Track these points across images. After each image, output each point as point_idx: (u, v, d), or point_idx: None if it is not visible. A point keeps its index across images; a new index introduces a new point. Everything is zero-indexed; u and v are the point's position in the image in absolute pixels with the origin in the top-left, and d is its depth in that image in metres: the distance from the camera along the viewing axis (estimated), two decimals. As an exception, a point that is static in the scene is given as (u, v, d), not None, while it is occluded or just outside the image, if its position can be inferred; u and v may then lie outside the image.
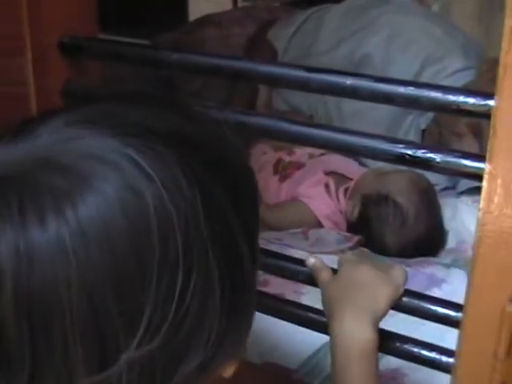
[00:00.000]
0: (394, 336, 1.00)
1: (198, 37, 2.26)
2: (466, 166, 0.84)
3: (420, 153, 0.87)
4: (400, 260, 1.65)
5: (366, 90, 0.89)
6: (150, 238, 0.49)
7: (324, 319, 0.98)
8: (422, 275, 1.54)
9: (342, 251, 1.65)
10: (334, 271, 0.99)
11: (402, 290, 0.95)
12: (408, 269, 1.55)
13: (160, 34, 2.44)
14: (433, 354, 0.97)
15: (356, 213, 1.82)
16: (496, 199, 0.74)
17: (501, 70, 0.69)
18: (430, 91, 0.85)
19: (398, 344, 0.99)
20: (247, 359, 1.41)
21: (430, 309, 0.96)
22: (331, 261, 1.56)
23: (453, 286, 1.51)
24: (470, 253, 1.70)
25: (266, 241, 1.69)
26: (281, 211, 1.91)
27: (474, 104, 0.83)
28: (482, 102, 0.82)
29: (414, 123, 2.04)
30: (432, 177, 1.89)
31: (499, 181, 0.74)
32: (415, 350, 0.98)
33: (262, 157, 2.08)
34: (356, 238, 1.74)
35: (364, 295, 0.93)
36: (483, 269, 0.79)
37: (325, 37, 2.15)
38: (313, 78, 0.92)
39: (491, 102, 0.78)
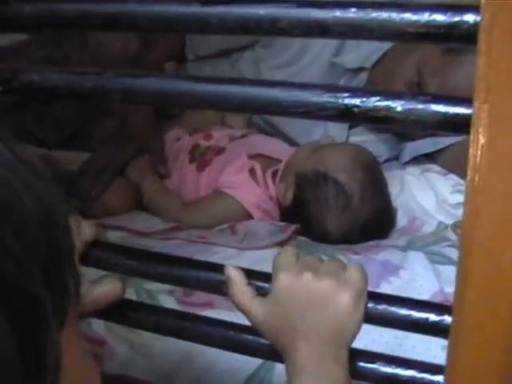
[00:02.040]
0: (360, 354, 0.75)
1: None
2: (444, 113, 0.59)
3: (373, 102, 0.62)
4: (345, 247, 1.41)
5: (288, 20, 0.63)
6: None
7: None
8: (374, 263, 1.31)
9: (278, 244, 1.40)
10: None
11: (365, 296, 0.71)
12: (356, 257, 1.35)
13: None
14: (412, 373, 0.72)
15: (290, 196, 1.57)
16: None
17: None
18: (379, 11, 0.60)
19: (363, 364, 0.74)
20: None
21: (402, 314, 0.71)
22: (266, 256, 1.34)
23: (412, 273, 1.28)
24: (426, 231, 1.51)
25: (186, 241, 1.44)
26: (201, 209, 1.66)
27: (445, 23, 0.57)
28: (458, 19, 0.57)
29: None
30: (372, 148, 1.70)
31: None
32: (389, 370, 0.74)
33: (176, 144, 1.82)
34: (292, 227, 1.49)
35: (317, 320, 0.70)
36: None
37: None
38: (212, 12, 0.66)
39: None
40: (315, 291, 0.70)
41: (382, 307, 0.72)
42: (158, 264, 0.81)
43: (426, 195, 1.59)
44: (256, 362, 1.21)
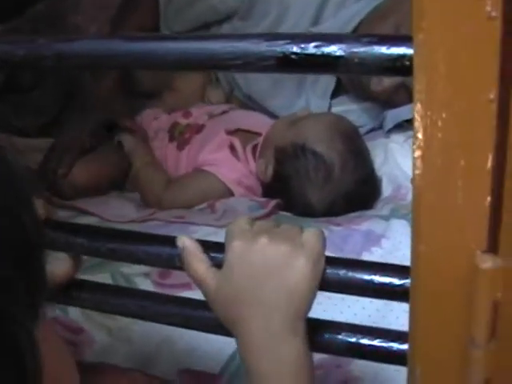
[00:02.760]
0: (322, 325, 0.70)
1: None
2: (388, 55, 0.54)
3: (312, 47, 0.57)
4: (327, 220, 1.37)
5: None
6: None
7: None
8: (357, 234, 1.26)
9: (258, 219, 1.35)
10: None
11: (323, 261, 0.66)
12: (339, 228, 1.29)
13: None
14: (377, 343, 0.68)
15: (270, 171, 1.52)
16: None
17: None
18: None
19: (326, 335, 0.69)
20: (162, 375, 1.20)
21: (364, 279, 0.66)
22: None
23: (394, 241, 1.24)
24: (410, 198, 1.46)
25: (164, 222, 1.39)
26: (182, 187, 1.62)
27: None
28: None
29: None
30: (354, 118, 1.65)
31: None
32: (352, 340, 0.69)
33: (153, 123, 1.78)
34: (273, 202, 1.44)
35: (271, 288, 0.65)
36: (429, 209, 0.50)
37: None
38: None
39: None
40: (270, 256, 0.65)
41: (341, 272, 0.67)
42: (109, 240, 0.76)
43: (411, 162, 1.54)
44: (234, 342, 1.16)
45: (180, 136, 1.69)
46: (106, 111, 1.75)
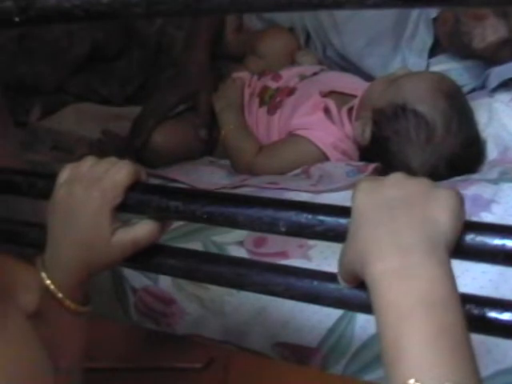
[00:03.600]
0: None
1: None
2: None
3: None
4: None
5: None
6: None
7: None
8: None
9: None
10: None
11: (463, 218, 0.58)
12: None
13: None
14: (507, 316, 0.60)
15: (368, 134, 1.44)
16: None
17: None
18: None
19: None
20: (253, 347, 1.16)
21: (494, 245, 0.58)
22: (343, 199, 1.23)
23: (506, 206, 1.16)
24: None
25: (256, 188, 1.33)
26: (275, 153, 1.55)
27: None
28: None
29: (422, 13, 1.66)
30: (455, 77, 1.54)
31: None
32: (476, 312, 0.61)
33: (247, 89, 1.70)
34: (371, 166, 1.37)
35: (410, 215, 0.57)
36: None
37: None
38: None
39: None
40: (407, 188, 0.59)
41: (468, 237, 0.59)
42: (206, 203, 0.69)
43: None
44: (336, 313, 1.10)
45: (270, 100, 1.62)
46: (194, 82, 1.70)
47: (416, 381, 0.49)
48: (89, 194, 0.70)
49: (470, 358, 0.51)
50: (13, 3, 0.72)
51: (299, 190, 1.29)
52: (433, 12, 1.64)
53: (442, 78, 1.46)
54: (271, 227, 0.66)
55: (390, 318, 0.54)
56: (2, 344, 0.40)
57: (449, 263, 0.55)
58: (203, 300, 1.20)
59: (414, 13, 1.67)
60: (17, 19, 0.73)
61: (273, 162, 1.52)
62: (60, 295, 0.67)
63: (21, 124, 1.71)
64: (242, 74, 1.72)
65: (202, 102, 1.66)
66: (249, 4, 0.58)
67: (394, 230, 0.56)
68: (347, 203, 1.21)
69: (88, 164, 0.74)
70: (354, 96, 1.54)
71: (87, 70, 1.86)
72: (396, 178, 0.59)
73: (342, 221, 0.62)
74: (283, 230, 0.66)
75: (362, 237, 0.58)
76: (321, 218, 0.64)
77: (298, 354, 1.16)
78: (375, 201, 0.58)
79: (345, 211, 0.63)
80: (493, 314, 0.61)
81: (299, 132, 1.54)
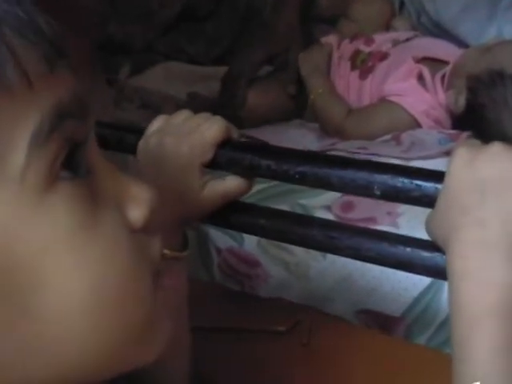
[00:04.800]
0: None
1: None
2: None
3: None
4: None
5: None
6: None
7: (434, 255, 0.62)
8: None
9: (449, 153, 1.25)
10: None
11: None
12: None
13: None
14: None
15: (462, 102, 1.41)
16: None
17: None
18: None
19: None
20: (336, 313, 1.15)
21: None
22: (435, 167, 1.19)
23: None
24: None
25: (346, 152, 1.31)
26: (367, 117, 1.53)
27: None
28: None
29: None
30: None
31: None
32: None
33: (336, 52, 1.68)
34: (464, 135, 1.33)
35: (498, 203, 0.54)
36: None
37: None
38: None
39: None
40: (503, 164, 0.54)
41: None
42: (300, 163, 0.67)
43: None
44: (423, 283, 1.09)
45: (362, 64, 1.60)
46: (283, 41, 1.69)
47: None
48: (178, 147, 0.70)
49: None
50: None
51: (390, 156, 1.26)
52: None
53: None
54: (366, 190, 0.64)
55: (463, 319, 0.53)
56: (92, 247, 0.39)
57: None
58: (288, 263, 1.19)
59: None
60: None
61: (363, 126, 1.50)
62: None
63: (111, 82, 1.73)
64: (332, 38, 1.69)
65: (291, 59, 1.65)
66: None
67: (482, 221, 0.53)
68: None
69: (181, 117, 0.73)
70: (447, 63, 1.50)
71: (176, 30, 1.87)
72: (495, 151, 0.55)
73: (440, 187, 0.59)
74: (378, 193, 0.63)
75: (449, 218, 0.56)
76: (418, 182, 0.62)
77: (381, 322, 1.15)
78: (469, 178, 0.55)
79: (443, 177, 0.60)
80: None
81: (392, 98, 1.51)
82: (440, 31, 1.70)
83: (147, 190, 0.46)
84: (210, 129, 0.71)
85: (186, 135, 0.70)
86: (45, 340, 0.39)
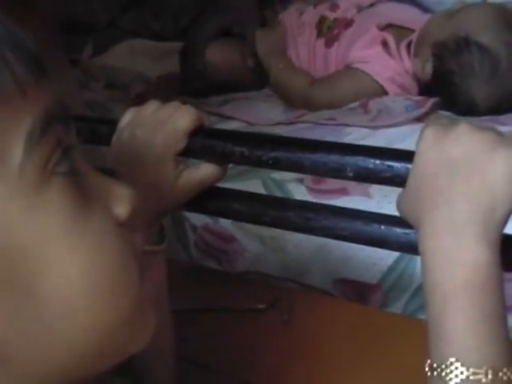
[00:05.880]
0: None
1: None
2: None
3: None
4: (491, 119, 1.27)
5: None
6: None
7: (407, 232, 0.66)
8: (524, 134, 1.14)
9: (416, 120, 1.27)
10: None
11: None
12: (504, 128, 1.17)
13: None
14: None
15: (429, 69, 1.42)
16: None
17: None
18: None
19: None
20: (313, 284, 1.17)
21: None
22: (403, 134, 1.21)
23: None
24: None
25: (314, 124, 1.32)
26: (333, 85, 1.53)
27: None
28: None
29: None
30: None
31: None
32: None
33: (301, 17, 1.68)
34: (431, 101, 1.34)
35: (464, 179, 0.55)
36: None
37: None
38: None
39: None
40: (469, 144, 0.55)
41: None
42: (272, 148, 0.68)
43: None
44: (396, 252, 1.10)
45: (328, 32, 1.60)
46: (236, 14, 1.70)
47: (456, 360, 0.52)
48: (152, 138, 0.70)
49: (507, 344, 0.53)
50: None
51: (358, 126, 1.28)
52: None
53: (502, 8, 1.42)
54: (338, 172, 0.65)
55: (436, 297, 0.55)
56: (84, 237, 0.43)
57: (497, 245, 0.54)
58: (264, 237, 1.20)
59: None
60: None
61: (330, 95, 1.51)
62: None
63: (74, 62, 1.72)
64: (291, 11, 1.70)
65: (249, 32, 1.65)
66: None
67: (451, 201, 0.55)
68: (407, 138, 1.19)
69: (151, 108, 0.73)
70: (413, 30, 1.51)
71: (139, 6, 1.86)
72: (462, 131, 0.56)
73: (411, 166, 0.61)
74: (350, 175, 0.65)
75: (420, 199, 0.58)
76: (389, 163, 0.63)
77: (358, 290, 1.17)
78: (436, 159, 0.56)
79: (413, 157, 0.61)
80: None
81: (357, 65, 1.52)
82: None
83: (127, 187, 0.49)
84: (182, 118, 0.71)
85: (159, 126, 0.71)
86: (45, 324, 0.42)
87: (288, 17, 1.70)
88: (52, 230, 0.42)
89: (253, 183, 1.21)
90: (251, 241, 1.21)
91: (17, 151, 0.40)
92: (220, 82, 1.63)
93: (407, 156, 0.61)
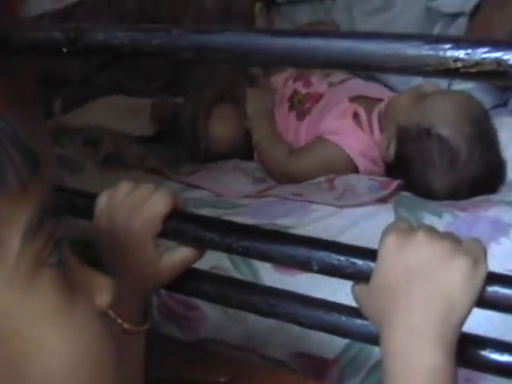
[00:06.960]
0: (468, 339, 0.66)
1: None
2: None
3: (480, 54, 0.52)
4: (451, 203, 1.30)
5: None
6: None
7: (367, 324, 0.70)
8: (483, 221, 1.20)
9: (380, 201, 1.31)
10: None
11: (483, 269, 0.60)
12: (465, 214, 1.22)
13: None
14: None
15: (392, 150, 1.46)
16: None
17: None
18: None
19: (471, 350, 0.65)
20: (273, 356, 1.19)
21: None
22: (366, 214, 1.25)
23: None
24: None
25: (281, 198, 1.35)
26: (303, 157, 1.57)
27: None
28: None
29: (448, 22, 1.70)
30: (477, 95, 1.54)
31: None
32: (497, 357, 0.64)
33: (283, 89, 1.74)
34: (394, 184, 1.38)
35: (422, 286, 0.60)
36: None
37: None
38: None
39: None
40: (427, 253, 0.60)
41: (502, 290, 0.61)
42: (242, 237, 0.72)
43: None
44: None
45: (299, 105, 1.65)
46: (229, 72, 1.74)
47: None
48: (129, 223, 0.73)
49: None
50: (61, 35, 0.76)
51: (324, 203, 1.31)
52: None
53: (468, 100, 1.47)
54: (304, 265, 0.69)
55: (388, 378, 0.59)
56: (71, 324, 0.47)
57: (453, 347, 0.58)
58: (226, 308, 1.23)
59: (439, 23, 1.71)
60: (65, 50, 0.76)
61: (302, 165, 1.54)
62: (117, 319, 0.70)
63: (47, 117, 1.73)
64: (279, 77, 1.76)
65: (243, 95, 1.69)
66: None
67: (410, 307, 0.59)
68: (371, 218, 1.22)
69: (125, 191, 0.75)
70: (382, 100, 1.56)
71: (114, 65, 1.88)
72: (421, 238, 0.61)
73: (373, 265, 0.65)
74: (315, 269, 0.69)
75: (381, 300, 0.62)
76: (352, 260, 0.67)
77: (315, 365, 1.18)
78: (397, 265, 0.61)
79: (376, 255, 0.65)
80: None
81: (328, 137, 1.56)
82: (371, 77, 1.77)
83: (107, 278, 0.52)
84: (158, 202, 0.74)
85: (135, 210, 0.73)
86: None
87: (275, 83, 1.75)
88: (43, 315, 0.45)
89: (219, 254, 1.23)
90: (214, 310, 1.23)
91: (14, 244, 0.43)
92: (223, 153, 1.67)
93: (370, 254, 0.66)
